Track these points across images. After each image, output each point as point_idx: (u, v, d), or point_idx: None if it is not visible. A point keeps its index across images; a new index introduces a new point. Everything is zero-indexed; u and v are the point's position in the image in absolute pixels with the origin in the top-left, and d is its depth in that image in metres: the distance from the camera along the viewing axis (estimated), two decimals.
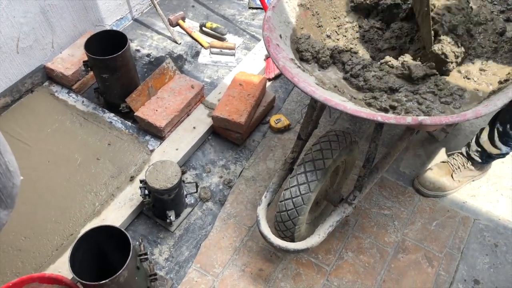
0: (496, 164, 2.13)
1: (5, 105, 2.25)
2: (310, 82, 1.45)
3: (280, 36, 1.61)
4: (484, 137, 1.87)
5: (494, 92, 1.49)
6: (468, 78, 1.58)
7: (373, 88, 1.55)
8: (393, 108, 1.47)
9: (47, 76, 2.39)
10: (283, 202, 1.63)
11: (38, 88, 2.36)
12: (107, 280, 1.36)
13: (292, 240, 1.70)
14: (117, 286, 1.42)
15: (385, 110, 1.47)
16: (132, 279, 1.49)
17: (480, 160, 1.95)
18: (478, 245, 1.90)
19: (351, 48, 1.72)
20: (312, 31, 1.75)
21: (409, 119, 1.31)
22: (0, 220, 0.92)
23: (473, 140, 1.95)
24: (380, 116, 1.31)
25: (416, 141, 2.23)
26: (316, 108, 1.75)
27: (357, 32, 1.80)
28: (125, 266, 1.39)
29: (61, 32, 2.39)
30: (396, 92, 1.52)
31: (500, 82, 1.52)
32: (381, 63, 1.61)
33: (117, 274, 1.37)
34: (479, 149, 1.92)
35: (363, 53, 1.75)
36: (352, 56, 1.67)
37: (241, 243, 1.90)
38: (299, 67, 1.55)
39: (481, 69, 1.60)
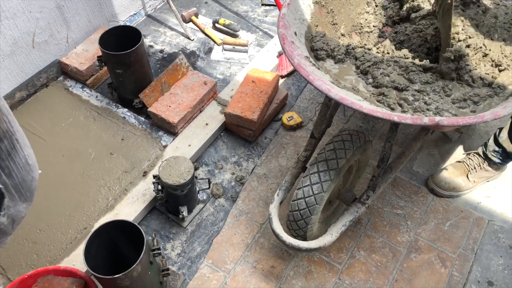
0: (511, 165, 2.10)
1: (20, 99, 2.28)
2: (325, 80, 1.44)
3: (295, 34, 1.60)
4: (504, 135, 1.84)
5: None
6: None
7: (380, 86, 1.53)
8: (401, 106, 1.46)
9: (62, 71, 2.41)
10: (295, 202, 1.62)
11: (53, 82, 2.38)
12: (121, 274, 1.37)
13: (304, 238, 1.69)
14: (131, 280, 1.42)
15: (392, 108, 1.46)
16: (145, 273, 1.50)
17: (498, 161, 1.92)
18: (493, 246, 1.88)
19: (365, 45, 1.71)
20: (327, 29, 1.74)
21: (426, 120, 1.29)
22: (20, 213, 0.93)
23: (491, 140, 1.93)
24: (396, 116, 1.30)
25: (430, 141, 2.21)
26: (330, 106, 1.74)
27: (371, 31, 1.79)
28: (138, 260, 1.40)
29: (75, 28, 2.40)
30: (404, 91, 1.51)
31: None
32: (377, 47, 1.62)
33: (131, 268, 1.38)
34: (497, 149, 1.89)
35: (377, 51, 1.73)
36: (365, 53, 1.66)
37: (253, 239, 1.90)
38: (314, 65, 1.54)
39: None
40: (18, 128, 0.90)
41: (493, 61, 1.56)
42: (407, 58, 1.63)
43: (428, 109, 1.43)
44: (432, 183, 2.02)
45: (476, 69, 1.54)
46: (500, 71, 1.54)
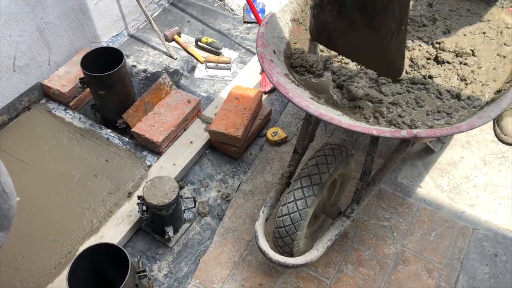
0: (493, 173, 2.14)
1: (2, 123, 2.25)
2: (305, 97, 1.46)
3: (274, 52, 1.63)
4: None
5: (487, 103, 1.50)
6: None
7: (354, 99, 1.57)
8: (376, 118, 1.50)
9: (44, 93, 2.40)
10: (280, 218, 1.62)
11: (35, 105, 2.37)
12: None
13: (291, 255, 1.69)
14: None
15: (368, 121, 1.49)
16: None
17: None
18: (478, 255, 1.90)
19: (342, 59, 1.74)
20: (305, 46, 1.77)
21: (404, 132, 1.32)
22: None
23: None
24: (375, 130, 1.32)
25: (413, 152, 2.24)
26: (311, 122, 1.76)
27: None
28: (123, 284, 1.38)
29: (57, 50, 2.40)
30: (378, 103, 1.55)
31: (496, 92, 1.54)
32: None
33: None
34: None
35: (354, 64, 1.76)
36: (342, 67, 1.69)
37: (240, 257, 1.89)
38: (294, 82, 1.57)
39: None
40: None
41: (458, 75, 1.62)
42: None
43: (403, 122, 1.46)
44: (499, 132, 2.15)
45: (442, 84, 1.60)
46: (466, 84, 1.59)
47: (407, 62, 1.70)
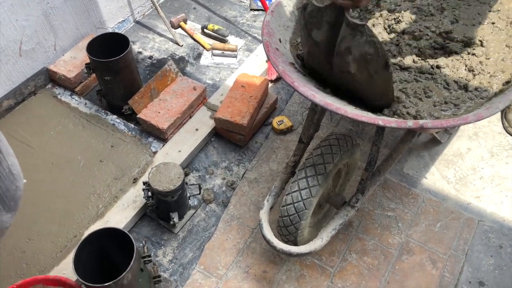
0: (500, 165, 2.12)
1: (8, 108, 2.26)
2: (311, 86, 1.45)
3: (280, 40, 1.61)
4: None
5: (495, 95, 1.48)
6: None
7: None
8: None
9: (50, 78, 2.40)
10: (285, 207, 1.62)
11: (41, 90, 2.36)
12: (110, 283, 1.36)
13: (295, 243, 1.69)
14: None
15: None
16: (136, 281, 1.49)
17: None
18: (483, 246, 1.89)
19: None
20: None
21: (410, 123, 1.30)
22: (4, 223, 0.92)
23: None
24: (381, 120, 1.31)
25: (419, 143, 2.23)
26: (317, 111, 1.75)
27: None
28: (128, 268, 1.39)
29: (63, 35, 2.39)
30: None
31: (504, 84, 1.52)
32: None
33: (121, 276, 1.37)
34: None
35: None
36: None
37: (244, 244, 1.90)
38: (299, 71, 1.55)
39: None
40: (1, 137, 0.90)
41: (466, 65, 1.59)
42: None
43: (408, 113, 1.44)
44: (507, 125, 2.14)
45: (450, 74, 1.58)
46: (474, 75, 1.57)
47: (415, 51, 1.68)
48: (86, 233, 1.79)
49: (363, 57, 1.29)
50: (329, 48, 1.35)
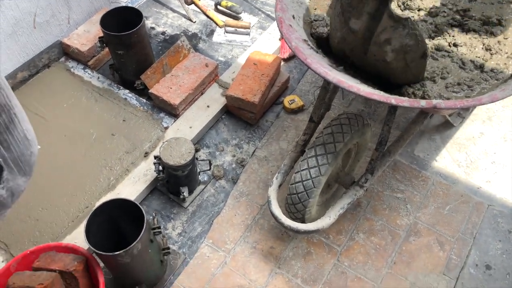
0: (511, 151, 2.10)
1: (22, 80, 2.28)
2: (323, 64, 1.43)
3: (293, 17, 1.59)
4: None
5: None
6: None
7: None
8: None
9: (64, 51, 2.41)
10: (293, 185, 1.63)
11: (55, 63, 2.38)
12: (121, 251, 1.39)
13: (303, 221, 1.70)
14: (131, 257, 1.44)
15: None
16: (146, 251, 1.52)
17: None
18: (492, 231, 1.89)
19: None
20: (325, 11, 1.72)
21: (423, 103, 1.29)
22: (19, 186, 0.94)
23: None
24: (393, 99, 1.30)
25: (431, 126, 2.20)
26: (328, 90, 1.73)
27: None
28: (139, 238, 1.41)
29: (77, 8, 2.39)
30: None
31: None
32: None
33: (131, 245, 1.40)
34: None
35: None
36: None
37: (253, 220, 1.92)
38: (312, 48, 1.53)
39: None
40: (17, 103, 0.91)
41: (483, 44, 1.57)
42: None
43: (413, 93, 1.43)
44: None
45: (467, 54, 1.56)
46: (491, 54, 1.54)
47: (431, 27, 1.65)
48: (98, 204, 1.82)
49: (402, 48, 1.30)
50: (367, 36, 1.35)
